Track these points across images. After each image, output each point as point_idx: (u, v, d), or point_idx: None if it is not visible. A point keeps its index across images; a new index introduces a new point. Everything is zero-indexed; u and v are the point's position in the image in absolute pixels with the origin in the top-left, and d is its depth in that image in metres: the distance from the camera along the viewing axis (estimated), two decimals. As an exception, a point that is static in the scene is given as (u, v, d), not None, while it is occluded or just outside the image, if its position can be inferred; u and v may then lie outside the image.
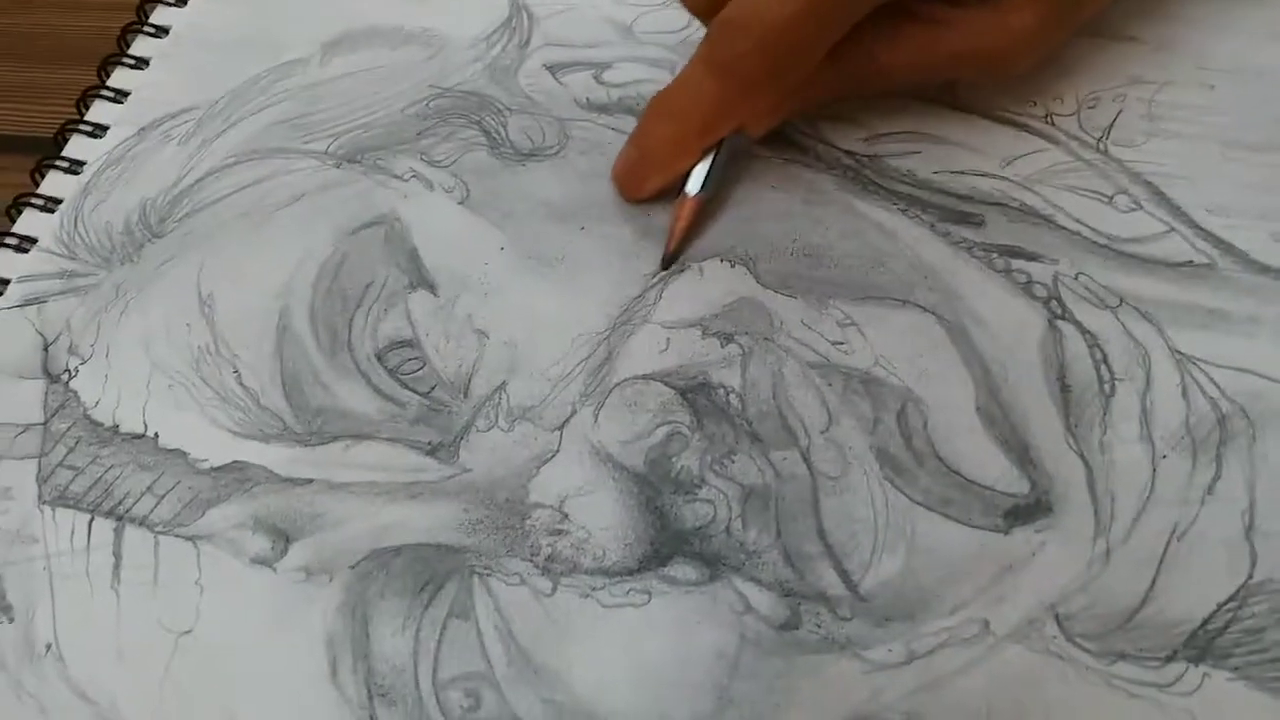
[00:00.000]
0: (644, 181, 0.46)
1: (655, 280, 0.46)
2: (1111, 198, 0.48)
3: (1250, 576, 0.39)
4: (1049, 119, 0.51)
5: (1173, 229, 0.47)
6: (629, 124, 0.49)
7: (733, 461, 0.41)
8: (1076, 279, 0.46)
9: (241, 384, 0.43)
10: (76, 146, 0.52)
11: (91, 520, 0.41)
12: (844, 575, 0.40)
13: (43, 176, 0.50)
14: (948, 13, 0.43)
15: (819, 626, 0.39)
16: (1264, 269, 0.46)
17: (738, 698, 0.38)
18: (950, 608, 0.39)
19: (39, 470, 0.43)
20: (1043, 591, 0.39)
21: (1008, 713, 0.37)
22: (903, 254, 0.46)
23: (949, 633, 0.39)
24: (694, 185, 0.45)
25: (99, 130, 0.52)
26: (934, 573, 0.39)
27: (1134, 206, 0.48)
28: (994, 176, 0.49)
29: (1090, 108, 0.52)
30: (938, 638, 0.39)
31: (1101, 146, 0.50)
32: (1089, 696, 0.38)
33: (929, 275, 0.45)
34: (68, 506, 0.42)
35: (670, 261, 0.45)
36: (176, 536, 0.41)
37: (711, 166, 0.45)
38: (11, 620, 0.40)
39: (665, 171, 0.45)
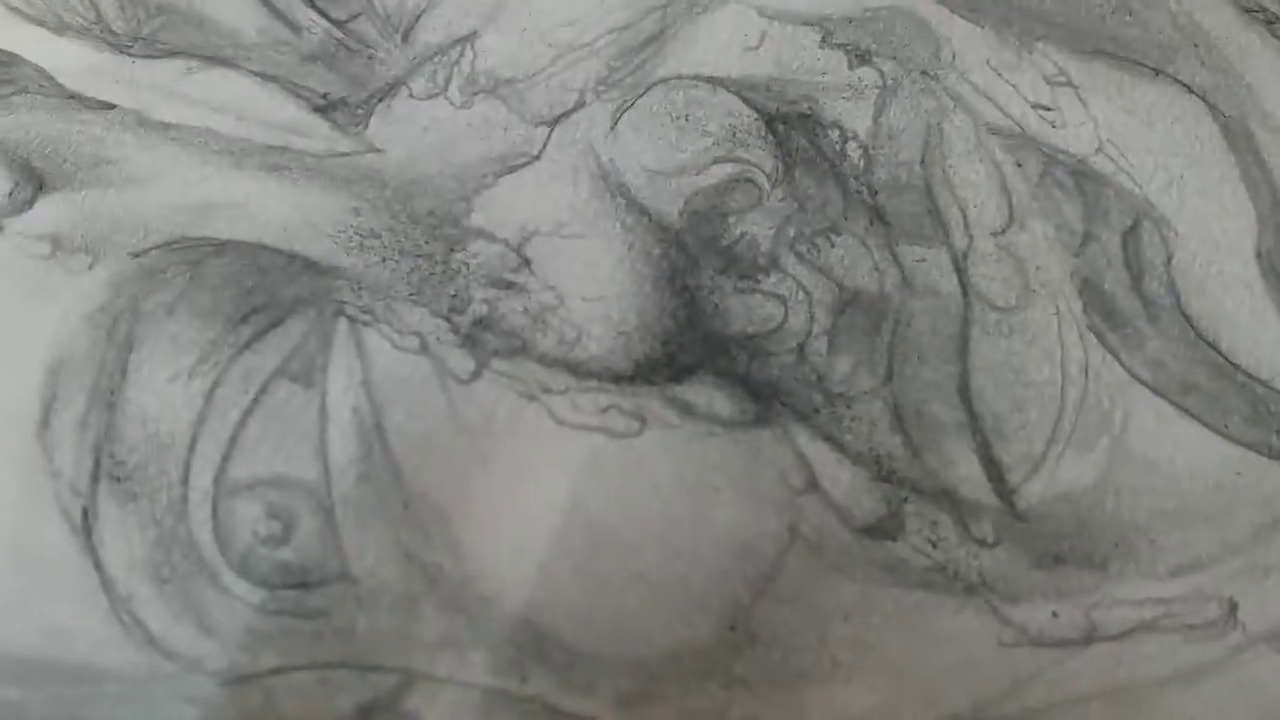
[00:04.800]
0: None
1: None
2: None
3: None
4: None
5: None
6: None
7: (831, 245, 0.30)
8: None
9: (48, -60, 0.30)
10: None
11: None
12: (993, 468, 0.28)
13: None
14: None
15: (933, 545, 0.27)
16: None
17: (763, 634, 0.25)
18: (1172, 566, 0.27)
19: None
20: (1337, 572, 0.26)
21: (1247, 766, 0.24)
22: (1165, 3, 0.34)
23: (1166, 607, 0.27)
24: None
25: None
26: (1153, 499, 0.28)
27: None
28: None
29: None
30: (1143, 611, 0.27)
31: None
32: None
33: (1202, 44, 0.33)
34: None
35: None
36: None
37: None
38: None
39: None
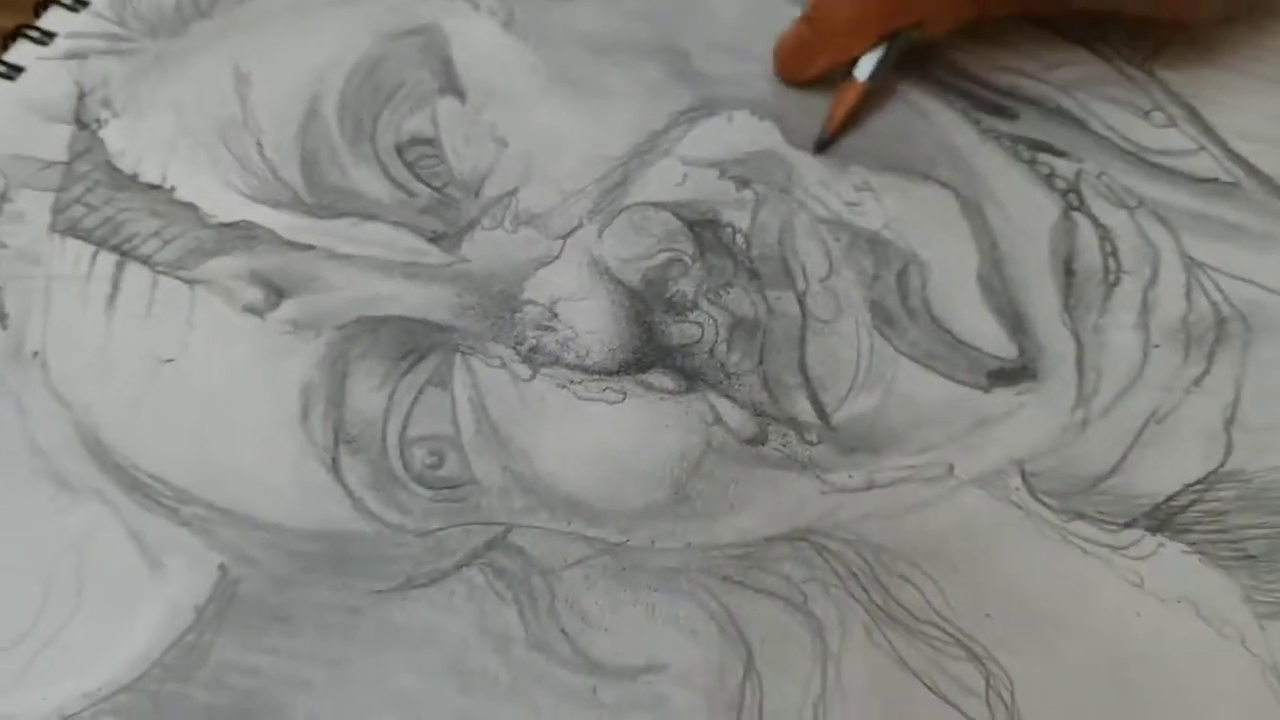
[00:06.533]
0: (811, 61, 0.48)
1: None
2: (1148, 112, 0.52)
3: (1222, 464, 0.43)
4: (1101, 34, 0.54)
5: (1204, 148, 0.51)
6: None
7: (728, 292, 0.45)
8: (1099, 177, 0.49)
9: (262, 155, 0.46)
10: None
11: (97, 252, 0.45)
12: (817, 405, 0.43)
13: (103, -51, 0.55)
14: None
15: (784, 445, 0.42)
16: (1286, 195, 0.50)
17: (693, 494, 0.41)
18: (918, 448, 0.42)
19: (55, 202, 0.47)
20: (1013, 447, 0.43)
21: (958, 550, 0.40)
22: (932, 134, 0.49)
23: (912, 470, 0.42)
24: (863, 71, 0.47)
25: (164, -86, 0.55)
26: (907, 415, 0.43)
27: (1168, 124, 0.52)
28: (1035, 79, 0.52)
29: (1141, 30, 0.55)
30: (900, 473, 0.42)
31: (1147, 67, 0.53)
32: (1042, 548, 0.41)
33: (953, 156, 0.49)
34: (77, 237, 0.46)
35: (825, 146, 0.47)
36: (176, 278, 0.45)
37: (884, 56, 0.47)
38: (5, 328, 0.44)
39: (837, 54, 0.47)
